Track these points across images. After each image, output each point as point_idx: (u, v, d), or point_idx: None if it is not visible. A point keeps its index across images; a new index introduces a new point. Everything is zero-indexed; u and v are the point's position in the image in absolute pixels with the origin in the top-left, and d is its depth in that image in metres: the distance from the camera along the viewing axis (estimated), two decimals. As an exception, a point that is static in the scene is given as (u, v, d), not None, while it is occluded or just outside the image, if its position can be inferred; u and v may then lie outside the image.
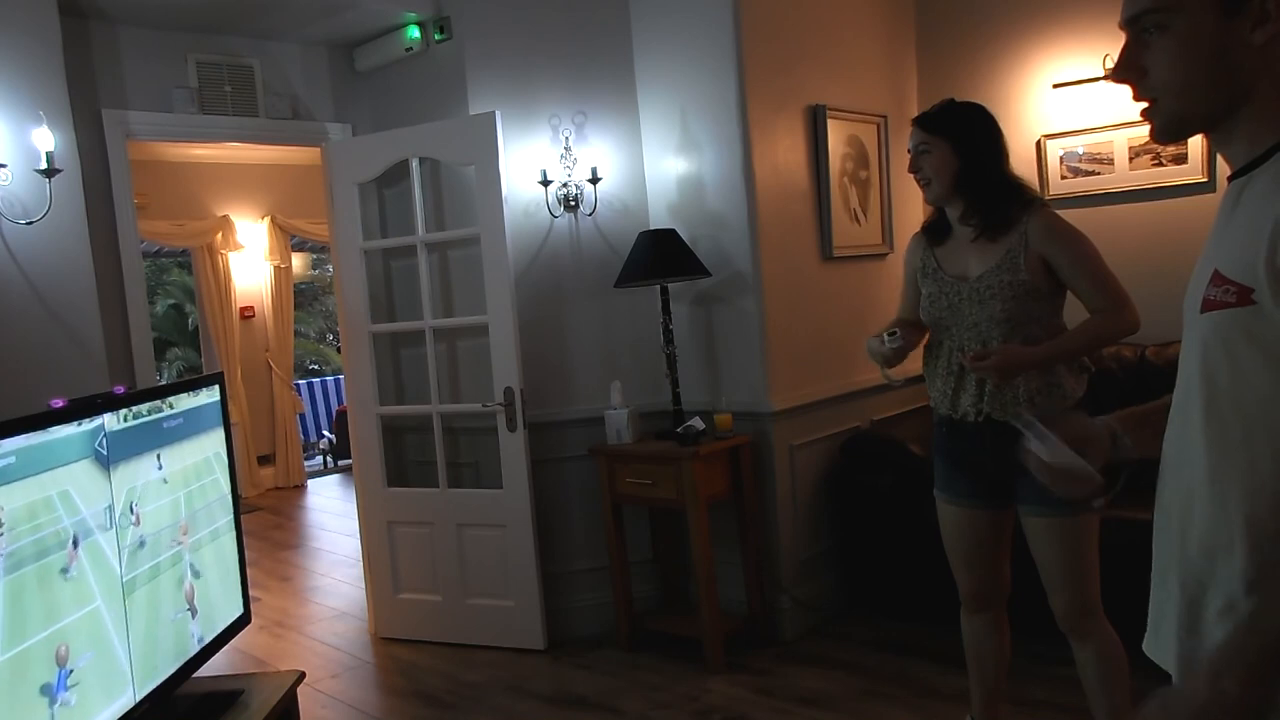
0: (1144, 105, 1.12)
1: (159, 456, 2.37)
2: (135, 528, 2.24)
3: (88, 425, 2.08)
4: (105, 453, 2.14)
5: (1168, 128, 1.11)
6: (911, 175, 2.47)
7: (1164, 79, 1.08)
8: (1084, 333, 2.35)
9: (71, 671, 1.94)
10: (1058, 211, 2.43)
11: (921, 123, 2.43)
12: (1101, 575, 2.39)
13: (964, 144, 2.36)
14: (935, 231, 2.53)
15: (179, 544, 2.44)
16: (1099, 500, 1.32)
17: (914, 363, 2.62)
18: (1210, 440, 1.07)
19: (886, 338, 2.46)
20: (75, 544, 1.99)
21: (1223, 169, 4.36)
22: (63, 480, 1.98)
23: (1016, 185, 2.41)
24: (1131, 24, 1.10)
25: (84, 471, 2.06)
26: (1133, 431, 1.32)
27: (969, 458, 2.47)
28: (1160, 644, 1.18)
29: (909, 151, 2.46)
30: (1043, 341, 2.36)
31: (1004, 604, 2.62)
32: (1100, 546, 2.39)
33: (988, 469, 2.43)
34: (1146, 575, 1.21)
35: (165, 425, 2.42)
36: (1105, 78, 4.00)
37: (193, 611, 2.50)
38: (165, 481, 2.39)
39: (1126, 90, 1.15)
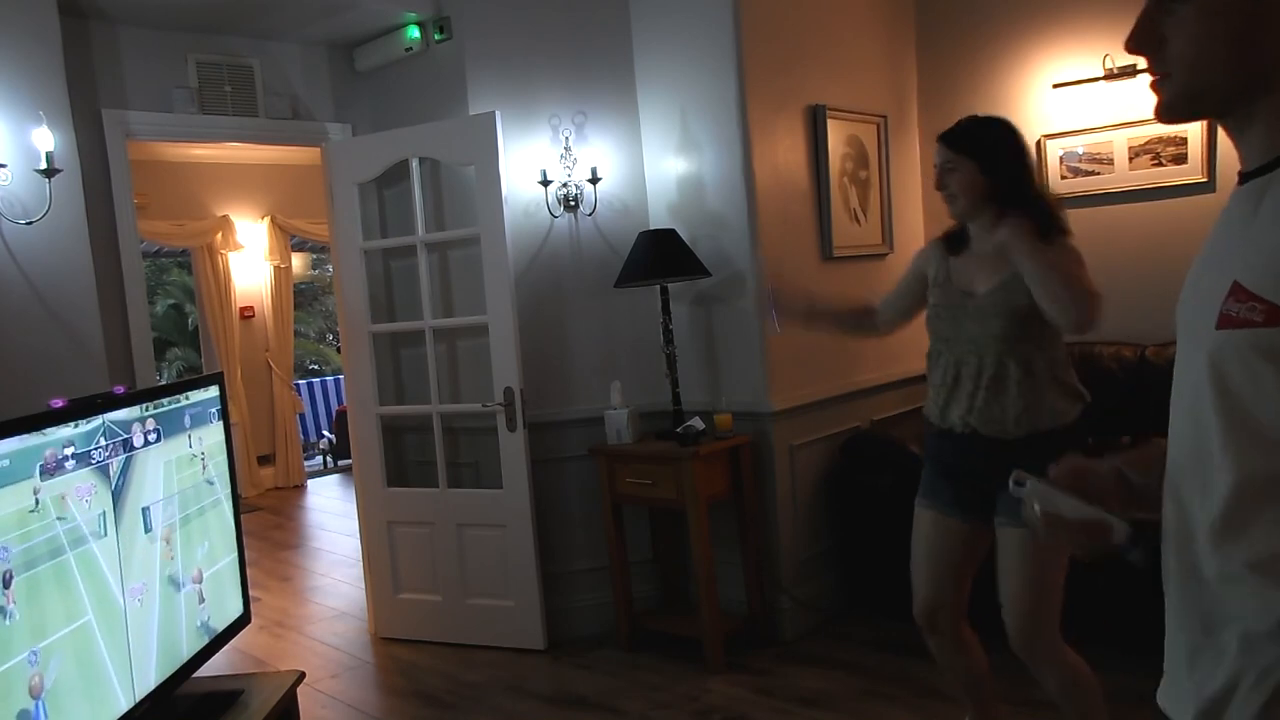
0: (1154, 78, 1.04)
1: (182, 443, 2.38)
2: (140, 522, 2.24)
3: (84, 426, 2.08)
4: (107, 452, 2.14)
5: (1176, 103, 1.03)
6: (939, 192, 2.47)
7: (1182, 50, 0.99)
8: (1057, 267, 2.22)
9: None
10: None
11: (946, 140, 2.44)
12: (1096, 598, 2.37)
13: (988, 162, 2.37)
14: (953, 242, 2.54)
15: (180, 535, 2.45)
16: (1135, 551, 1.11)
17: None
18: (1235, 460, 0.96)
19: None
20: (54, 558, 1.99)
21: (1222, 169, 4.31)
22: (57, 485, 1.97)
23: (1047, 208, 2.36)
24: None
25: (80, 475, 2.06)
26: (1143, 472, 1.19)
27: (956, 467, 2.49)
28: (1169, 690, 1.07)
29: (935, 167, 2.46)
30: (1039, 367, 2.34)
31: (958, 625, 2.59)
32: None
33: (973, 480, 2.44)
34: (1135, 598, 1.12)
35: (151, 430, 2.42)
36: (1106, 76, 4.00)
37: (201, 596, 2.51)
38: (173, 471, 2.40)
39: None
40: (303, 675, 2.69)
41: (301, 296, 13.29)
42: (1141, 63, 1.08)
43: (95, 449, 2.10)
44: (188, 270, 9.86)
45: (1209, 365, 0.98)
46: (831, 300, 2.68)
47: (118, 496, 2.18)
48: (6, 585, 1.79)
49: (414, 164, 3.99)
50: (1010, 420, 2.35)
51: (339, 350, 6.24)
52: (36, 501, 1.88)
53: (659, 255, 3.66)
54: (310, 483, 8.60)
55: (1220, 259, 1.00)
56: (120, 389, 2.34)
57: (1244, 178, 1.01)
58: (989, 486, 2.38)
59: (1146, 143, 3.99)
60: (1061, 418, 2.36)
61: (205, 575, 2.57)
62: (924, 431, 2.59)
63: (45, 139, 3.11)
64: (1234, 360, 0.95)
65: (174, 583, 2.41)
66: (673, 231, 3.76)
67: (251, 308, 8.32)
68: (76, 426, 2.04)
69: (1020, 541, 2.34)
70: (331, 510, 7.52)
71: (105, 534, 2.12)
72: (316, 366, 14.40)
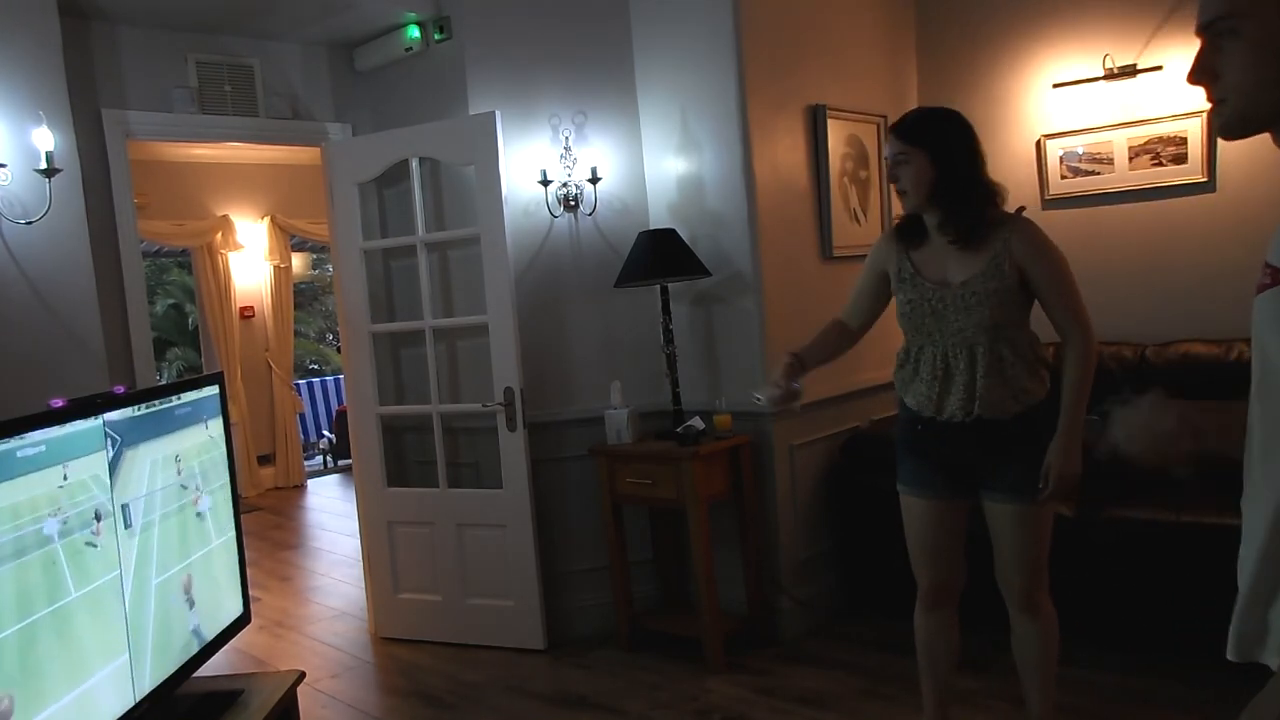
0: (1212, 105, 1.18)
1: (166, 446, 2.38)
2: (133, 526, 2.24)
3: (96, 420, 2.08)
4: (115, 443, 2.14)
5: (1231, 124, 1.16)
6: (891, 185, 2.52)
7: (1235, 81, 1.12)
8: (1077, 381, 2.40)
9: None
10: (1051, 214, 2.46)
11: (898, 132, 2.44)
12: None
13: (940, 153, 2.38)
14: (910, 235, 2.54)
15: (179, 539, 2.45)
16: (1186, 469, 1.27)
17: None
18: (1261, 417, 1.10)
19: (763, 398, 2.50)
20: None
21: (1222, 169, 4.35)
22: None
23: (994, 191, 2.43)
24: (1206, 30, 1.15)
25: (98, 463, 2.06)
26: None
27: (945, 452, 2.52)
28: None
29: (885, 160, 2.48)
30: (1022, 345, 2.42)
31: (958, 600, 2.67)
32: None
33: (965, 462, 2.49)
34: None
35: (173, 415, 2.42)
36: (1106, 76, 4.00)
37: (190, 602, 2.51)
38: (168, 472, 2.39)
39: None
40: (303, 675, 2.69)
41: (301, 296, 13.30)
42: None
43: (95, 448, 2.10)
44: (188, 270, 9.87)
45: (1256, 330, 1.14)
46: (804, 352, 2.62)
47: (117, 497, 2.18)
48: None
49: (414, 164, 3.99)
50: (1010, 400, 2.41)
51: (339, 350, 6.24)
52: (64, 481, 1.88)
53: (659, 255, 3.66)
54: (310, 483, 8.60)
55: None
56: (120, 389, 2.34)
57: None
58: (982, 466, 2.47)
59: (1146, 142, 3.99)
60: (1044, 389, 2.46)
61: (205, 575, 2.57)
62: (902, 424, 2.62)
63: (45, 139, 3.11)
64: (1263, 320, 1.12)
65: (174, 582, 2.41)
66: (673, 231, 3.76)
67: (251, 308, 8.32)
68: (77, 426, 2.04)
69: (1016, 513, 2.46)
70: (331, 510, 7.52)
71: (104, 533, 2.12)
72: (316, 366, 14.41)
